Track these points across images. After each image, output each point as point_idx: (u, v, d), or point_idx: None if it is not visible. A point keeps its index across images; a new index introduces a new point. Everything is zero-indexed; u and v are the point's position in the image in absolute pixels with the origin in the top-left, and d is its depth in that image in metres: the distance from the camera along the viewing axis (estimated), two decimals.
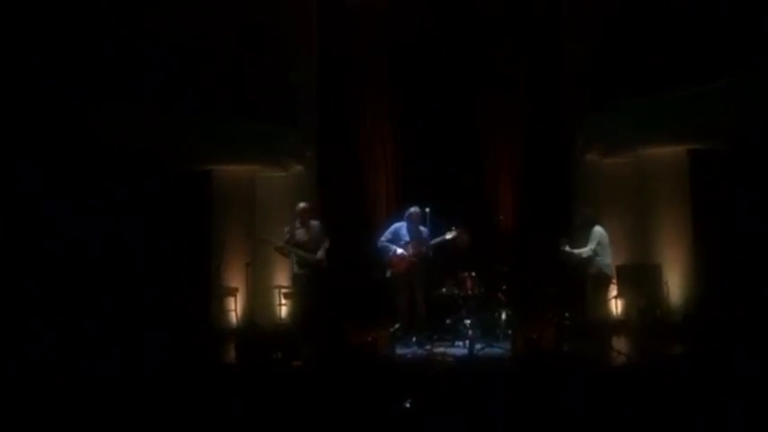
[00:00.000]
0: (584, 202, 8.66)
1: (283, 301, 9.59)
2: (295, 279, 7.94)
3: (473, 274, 8.17)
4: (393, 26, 10.22)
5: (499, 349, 7.54)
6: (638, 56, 8.86)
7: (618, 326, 8.88)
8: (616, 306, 9.24)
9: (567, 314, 7.92)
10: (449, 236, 7.93)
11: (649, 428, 4.65)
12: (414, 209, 8.06)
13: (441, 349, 7.74)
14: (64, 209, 7.85)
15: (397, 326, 7.97)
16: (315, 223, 7.94)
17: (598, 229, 7.65)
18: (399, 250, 7.96)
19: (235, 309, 9.24)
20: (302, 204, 8.03)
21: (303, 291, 7.85)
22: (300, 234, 7.81)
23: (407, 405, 5.11)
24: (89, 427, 4.99)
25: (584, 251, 7.57)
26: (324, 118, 10.16)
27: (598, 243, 7.56)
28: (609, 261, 7.68)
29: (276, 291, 9.65)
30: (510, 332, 7.86)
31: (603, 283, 7.75)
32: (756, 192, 8.16)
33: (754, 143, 8.14)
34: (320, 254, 7.75)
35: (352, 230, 8.86)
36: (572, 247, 7.63)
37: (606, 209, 9.27)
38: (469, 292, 8.10)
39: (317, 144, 10.12)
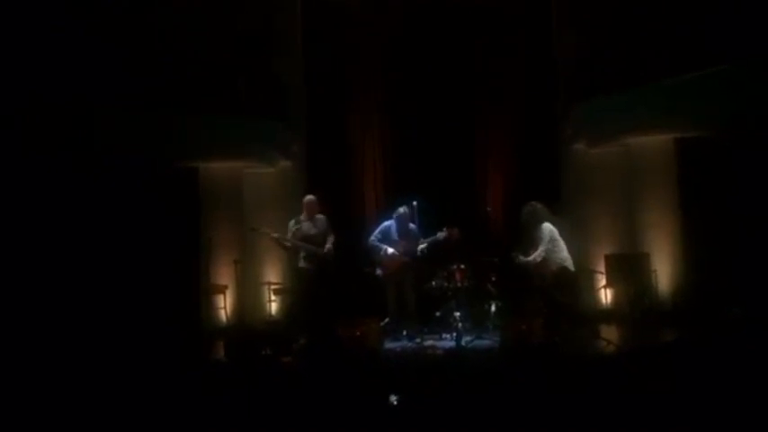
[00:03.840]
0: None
1: (273, 298, 9.59)
2: (299, 273, 7.72)
3: (462, 266, 8.15)
4: (381, 20, 10.21)
5: (489, 341, 7.56)
6: (625, 46, 8.89)
7: (607, 315, 8.93)
8: (605, 295, 9.27)
9: (556, 304, 7.94)
10: (440, 236, 7.88)
11: (640, 416, 4.69)
12: (402, 209, 8.00)
13: (430, 342, 7.77)
14: (50, 207, 7.90)
15: (387, 320, 7.99)
16: (321, 217, 7.72)
17: (546, 226, 7.16)
18: (390, 250, 7.91)
19: (224, 306, 9.19)
20: (310, 197, 7.79)
21: (307, 285, 7.66)
22: (307, 227, 7.61)
23: (393, 401, 5.14)
24: (78, 425, 5.03)
25: (537, 255, 7.12)
26: (312, 113, 10.14)
27: (549, 241, 7.10)
28: (566, 254, 7.17)
29: (266, 287, 9.64)
30: (500, 323, 7.88)
31: (568, 277, 7.27)
32: (743, 179, 8.16)
33: (740, 131, 8.14)
34: (328, 247, 7.59)
35: (341, 225, 8.84)
36: (525, 254, 7.20)
37: (594, 198, 9.35)
38: (459, 285, 8.09)
39: (306, 139, 10.10)
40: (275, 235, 7.69)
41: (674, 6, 8.61)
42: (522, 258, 7.24)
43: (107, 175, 8.48)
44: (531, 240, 7.22)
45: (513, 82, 10.19)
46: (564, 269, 7.17)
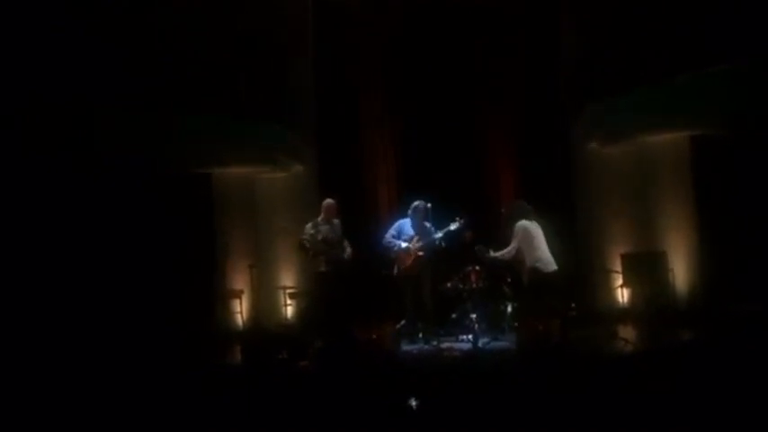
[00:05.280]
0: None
1: (288, 302, 9.53)
2: (319, 277, 7.75)
3: (477, 267, 8.08)
4: (381, 20, 10.14)
5: (505, 342, 7.52)
6: (625, 45, 8.92)
7: (624, 314, 8.88)
8: (622, 294, 9.23)
9: (573, 305, 7.86)
10: (453, 226, 7.83)
11: (657, 415, 4.62)
12: (418, 202, 7.99)
13: (447, 344, 7.71)
14: (50, 207, 7.76)
15: (403, 322, 7.93)
16: (336, 221, 7.78)
17: (520, 224, 7.03)
18: (404, 244, 7.92)
19: (240, 311, 9.15)
20: (330, 201, 7.83)
21: (326, 288, 7.68)
22: (326, 230, 7.63)
23: (413, 404, 5.05)
24: (95, 428, 4.92)
25: (505, 252, 7.07)
26: (322, 117, 10.01)
27: (522, 240, 6.96)
28: (540, 255, 6.95)
29: (281, 291, 9.57)
30: (516, 324, 7.77)
31: (540, 279, 6.98)
32: (759, 176, 8.17)
33: (755, 128, 8.15)
34: (348, 251, 7.70)
35: (355, 227, 8.76)
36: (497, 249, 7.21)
37: (609, 198, 9.31)
38: (475, 286, 8.05)
39: (317, 143, 9.99)
40: (304, 240, 7.55)
41: (674, 6, 8.62)
42: (491, 254, 7.25)
43: (107, 175, 8.36)
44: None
45: (513, 82, 10.15)
46: (534, 270, 6.99)
